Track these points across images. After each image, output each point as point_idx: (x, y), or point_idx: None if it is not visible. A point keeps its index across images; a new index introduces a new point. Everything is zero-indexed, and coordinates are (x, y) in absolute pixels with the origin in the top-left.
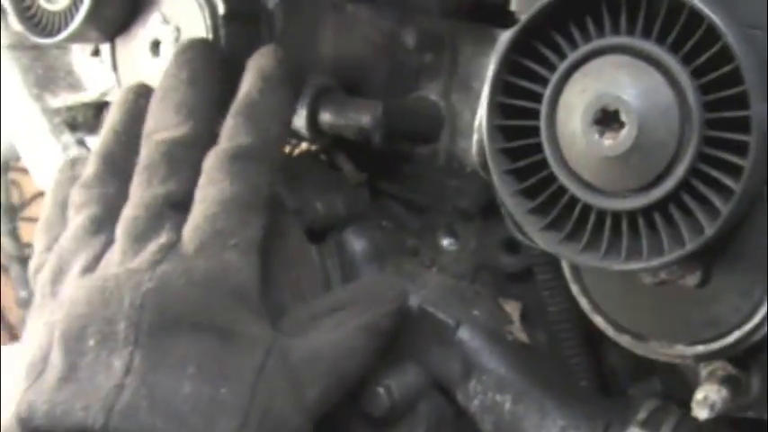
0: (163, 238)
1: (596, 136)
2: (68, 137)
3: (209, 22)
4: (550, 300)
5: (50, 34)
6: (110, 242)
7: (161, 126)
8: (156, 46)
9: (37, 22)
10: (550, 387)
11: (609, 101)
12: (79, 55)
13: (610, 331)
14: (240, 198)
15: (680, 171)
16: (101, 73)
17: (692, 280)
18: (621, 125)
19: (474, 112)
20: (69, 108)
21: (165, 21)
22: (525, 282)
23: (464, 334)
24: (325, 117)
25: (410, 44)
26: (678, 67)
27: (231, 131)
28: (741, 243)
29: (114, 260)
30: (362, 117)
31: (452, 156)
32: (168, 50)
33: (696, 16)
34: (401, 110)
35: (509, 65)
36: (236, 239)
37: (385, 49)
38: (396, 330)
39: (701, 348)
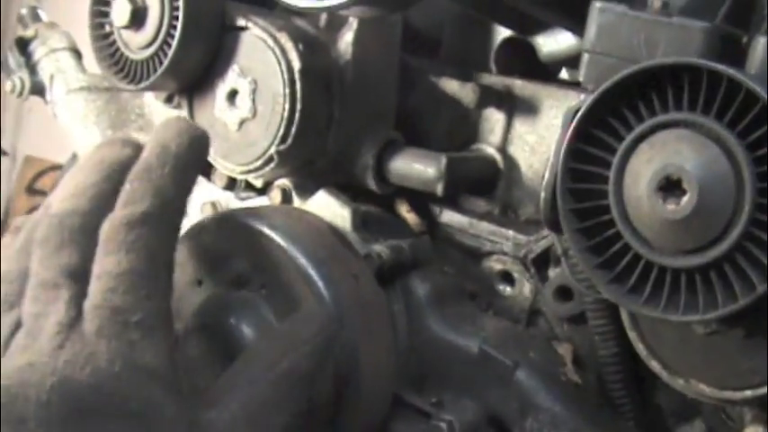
0: (61, 315)
1: (660, 201)
2: None
3: (285, 75)
4: (602, 344)
5: (133, 81)
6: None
7: (55, 202)
8: (232, 96)
9: (120, 69)
10: (602, 426)
11: (672, 170)
12: (150, 99)
13: (664, 375)
14: (138, 270)
15: (735, 234)
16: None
17: (740, 331)
18: (683, 192)
19: (529, 165)
20: None
21: (243, 73)
22: (577, 326)
23: (522, 374)
24: (391, 167)
25: (471, 99)
26: (734, 142)
27: (126, 198)
28: None
29: (20, 344)
30: (427, 168)
31: (508, 205)
32: (245, 100)
33: (751, 97)
34: (462, 162)
35: (581, 134)
36: (139, 315)
37: (447, 104)
38: (324, 365)
39: (748, 393)
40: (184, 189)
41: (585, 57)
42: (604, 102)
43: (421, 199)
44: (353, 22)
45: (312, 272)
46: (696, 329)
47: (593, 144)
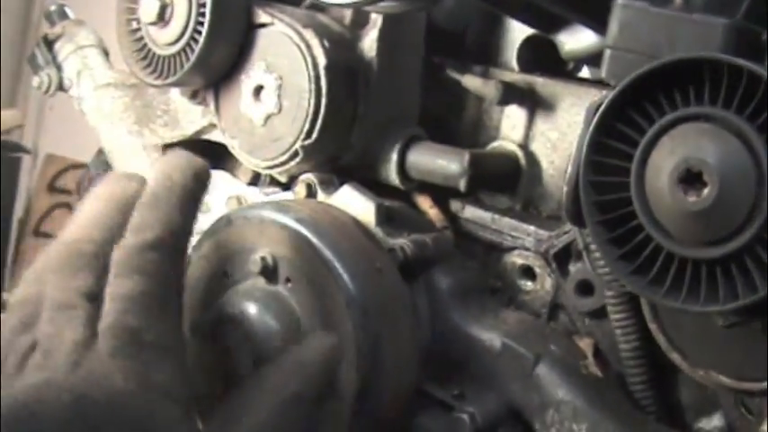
0: (78, 334)
1: (681, 193)
2: None
3: (311, 72)
4: (622, 338)
5: (160, 77)
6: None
7: (68, 232)
8: (258, 91)
9: (147, 65)
10: (623, 419)
11: (693, 163)
12: (176, 95)
13: (684, 366)
14: (150, 292)
15: (755, 226)
16: (196, 112)
17: (759, 322)
18: (704, 185)
19: (551, 162)
20: (166, 145)
21: (269, 69)
22: (598, 321)
23: (542, 367)
24: (414, 163)
25: (494, 96)
26: (755, 135)
27: (137, 225)
28: None
29: (36, 363)
30: (450, 164)
31: (530, 201)
32: (270, 96)
33: None
34: (484, 158)
35: (604, 127)
36: (152, 336)
37: (470, 101)
38: (327, 391)
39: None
40: (190, 217)
41: (608, 53)
42: (627, 96)
43: (443, 194)
44: (378, 20)
45: (337, 265)
46: (716, 321)
47: (615, 137)
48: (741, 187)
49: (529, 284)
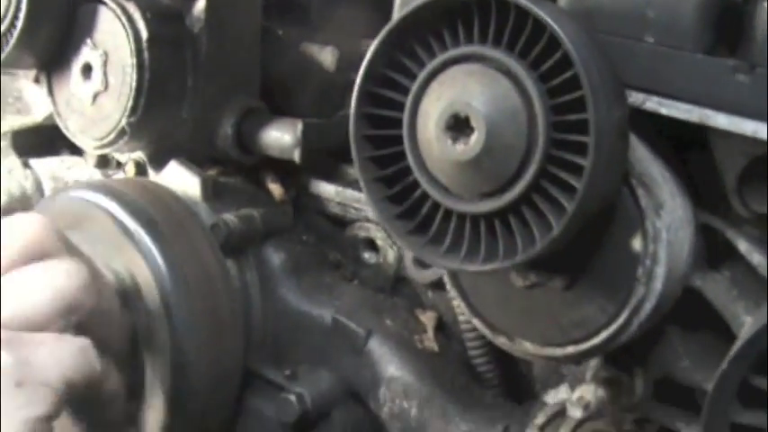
0: None
1: (449, 142)
2: (14, 159)
3: (133, 46)
4: (459, 309)
5: None
6: None
7: None
8: (87, 70)
9: None
10: (455, 394)
11: (459, 108)
12: (27, 82)
13: (488, 334)
14: None
15: (530, 173)
16: (44, 98)
17: (559, 282)
18: (472, 131)
19: None
20: (16, 132)
21: (95, 46)
22: (441, 293)
23: (374, 343)
24: (252, 136)
25: (331, 62)
26: (524, 74)
27: None
28: (602, 246)
29: None
30: (284, 135)
31: None
32: (97, 73)
33: (540, 26)
34: (323, 128)
35: (374, 76)
36: None
37: (312, 71)
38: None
39: (571, 349)
40: None
41: None
42: (397, 40)
43: (289, 167)
44: None
45: (147, 240)
46: (515, 283)
47: (387, 86)
48: (512, 131)
49: (372, 257)
